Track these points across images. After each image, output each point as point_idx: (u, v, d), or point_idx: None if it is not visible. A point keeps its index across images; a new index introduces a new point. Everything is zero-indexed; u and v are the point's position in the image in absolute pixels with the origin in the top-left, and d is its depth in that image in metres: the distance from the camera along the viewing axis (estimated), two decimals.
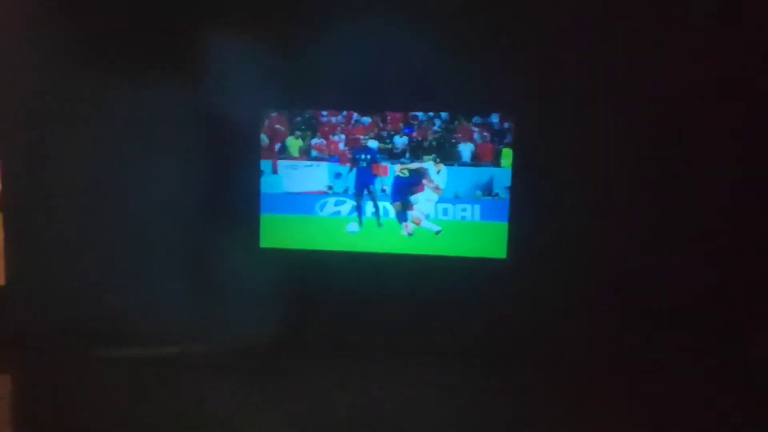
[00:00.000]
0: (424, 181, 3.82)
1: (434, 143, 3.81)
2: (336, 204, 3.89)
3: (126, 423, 2.82)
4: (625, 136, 3.53)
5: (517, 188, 3.68)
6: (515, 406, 3.19)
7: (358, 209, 3.87)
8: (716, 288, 3.55)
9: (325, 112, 3.82)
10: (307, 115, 3.83)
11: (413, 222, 3.84)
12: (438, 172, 3.81)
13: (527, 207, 3.68)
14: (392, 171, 3.85)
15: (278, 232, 3.88)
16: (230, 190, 3.82)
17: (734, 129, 3.44)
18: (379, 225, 3.86)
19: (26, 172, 3.73)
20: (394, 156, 3.85)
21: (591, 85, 3.52)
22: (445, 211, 3.83)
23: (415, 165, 3.80)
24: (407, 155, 3.83)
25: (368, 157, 3.83)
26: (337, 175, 3.87)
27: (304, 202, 3.87)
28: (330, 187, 3.88)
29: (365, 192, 3.85)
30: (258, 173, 3.83)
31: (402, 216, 3.86)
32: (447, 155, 3.79)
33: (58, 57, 3.59)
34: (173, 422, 2.87)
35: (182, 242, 3.81)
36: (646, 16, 3.41)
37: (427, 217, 3.84)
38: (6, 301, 3.76)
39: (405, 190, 3.83)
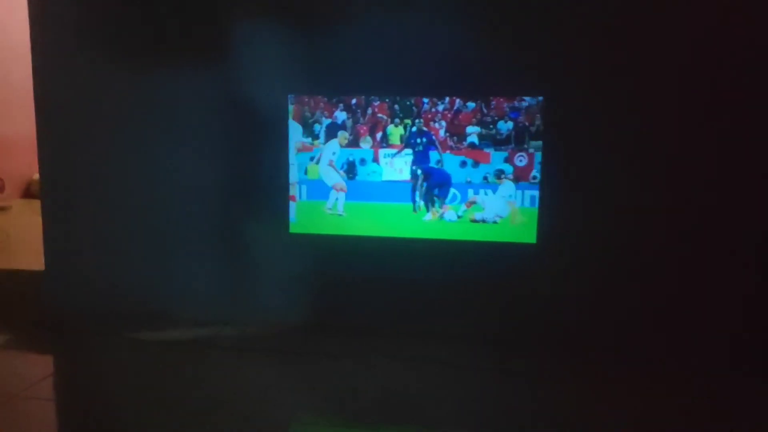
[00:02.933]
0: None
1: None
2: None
3: (158, 403, 2.86)
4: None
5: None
6: (536, 390, 3.14)
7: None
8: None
9: (426, 99, 3.69)
10: (408, 103, 3.72)
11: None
12: None
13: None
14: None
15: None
16: (260, 177, 3.77)
17: None
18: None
19: (61, 160, 3.90)
20: (498, 143, 3.57)
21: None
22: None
23: None
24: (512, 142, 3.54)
25: (424, 140, 3.67)
26: (438, 162, 3.69)
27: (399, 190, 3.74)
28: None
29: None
30: (286, 159, 3.75)
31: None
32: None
33: (87, 47, 3.69)
34: (205, 403, 2.87)
35: (213, 228, 3.86)
36: None
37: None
38: (46, 285, 3.94)
39: None
